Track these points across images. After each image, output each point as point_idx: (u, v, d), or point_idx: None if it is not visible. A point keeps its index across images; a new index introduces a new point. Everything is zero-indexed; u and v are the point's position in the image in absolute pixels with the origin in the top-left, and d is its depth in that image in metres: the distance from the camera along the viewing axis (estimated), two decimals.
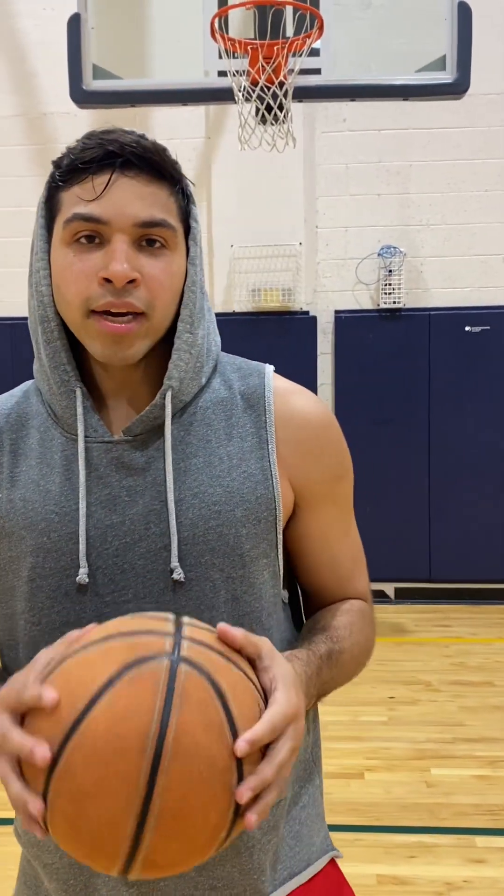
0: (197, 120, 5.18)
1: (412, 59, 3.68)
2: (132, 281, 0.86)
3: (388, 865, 2.49)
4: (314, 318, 5.29)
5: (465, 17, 3.46)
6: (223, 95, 3.49)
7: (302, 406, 0.98)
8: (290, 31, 3.38)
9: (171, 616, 0.77)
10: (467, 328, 5.19)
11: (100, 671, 0.70)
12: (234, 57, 3.38)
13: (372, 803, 2.86)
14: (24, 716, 0.73)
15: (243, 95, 3.37)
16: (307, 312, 5.31)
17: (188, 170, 4.71)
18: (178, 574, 0.90)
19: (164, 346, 0.94)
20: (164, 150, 0.90)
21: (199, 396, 0.96)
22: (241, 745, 0.68)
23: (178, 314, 0.93)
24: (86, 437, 0.93)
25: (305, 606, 1.07)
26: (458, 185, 5.24)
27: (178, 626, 0.75)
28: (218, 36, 3.36)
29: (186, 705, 0.68)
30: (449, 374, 5.20)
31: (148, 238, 0.88)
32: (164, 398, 0.92)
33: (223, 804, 0.68)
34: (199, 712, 0.68)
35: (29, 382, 1.03)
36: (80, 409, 0.92)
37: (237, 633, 0.76)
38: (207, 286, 5.28)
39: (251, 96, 3.36)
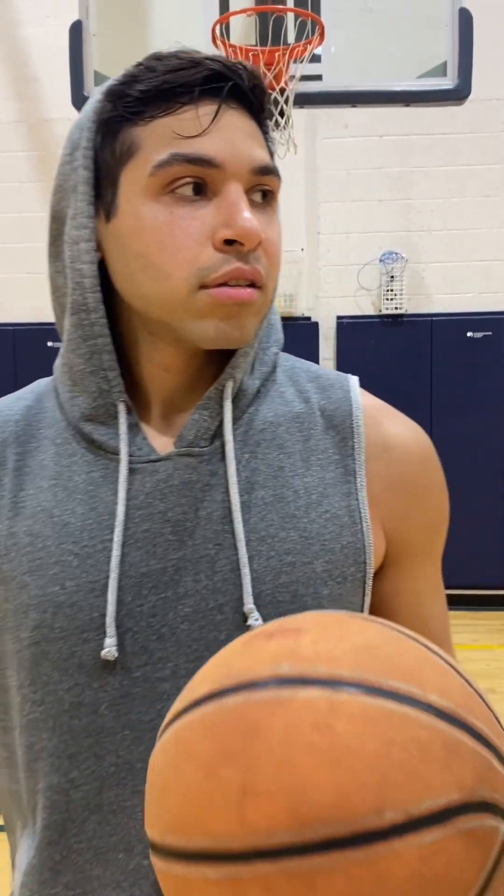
0: None
1: (413, 64, 3.68)
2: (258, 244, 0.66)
3: None
4: (316, 324, 5.29)
5: (466, 22, 3.46)
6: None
7: (400, 433, 0.78)
8: (291, 38, 3.39)
9: None
10: (469, 334, 5.18)
11: (433, 781, 0.43)
12: None
13: None
14: None
15: None
16: (309, 318, 5.31)
17: None
18: (255, 618, 0.67)
19: None
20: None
21: (269, 407, 0.75)
22: None
23: None
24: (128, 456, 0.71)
25: None
26: (460, 191, 5.24)
27: None
28: (219, 42, 3.37)
29: None
30: (451, 380, 5.19)
31: (262, 189, 0.68)
32: (224, 389, 0.71)
33: None
34: None
35: (42, 382, 0.81)
36: (123, 429, 0.71)
37: None
38: None
39: None
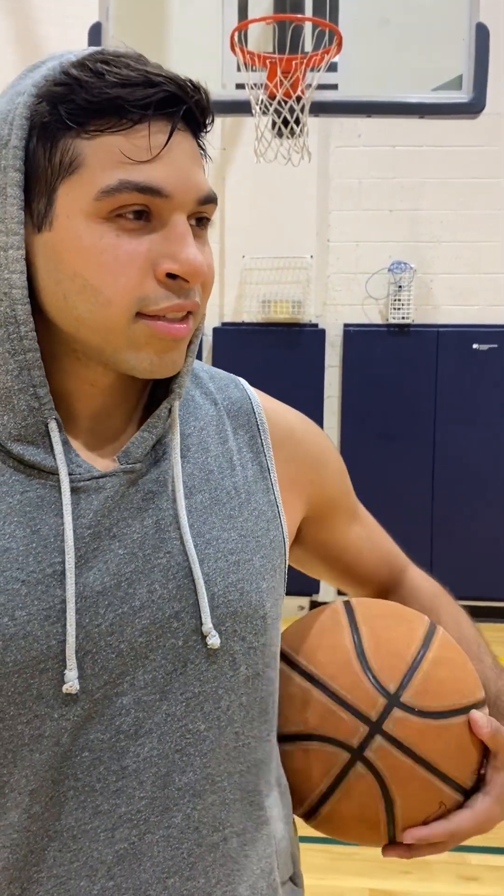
0: (212, 131, 5.20)
1: (429, 77, 3.70)
2: None
3: (381, 880, 2.49)
4: (323, 331, 5.30)
5: (482, 37, 3.48)
6: (240, 108, 3.52)
7: (291, 417, 0.85)
8: (308, 47, 3.41)
9: (391, 683, 0.78)
10: (475, 346, 5.20)
11: (294, 718, 0.80)
12: (252, 70, 3.41)
13: None
14: None
15: (260, 109, 3.40)
16: (316, 325, 5.33)
17: None
18: (213, 639, 0.69)
19: None
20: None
21: (188, 411, 0.76)
22: (406, 836, 0.78)
23: None
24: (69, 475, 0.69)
25: None
26: (470, 204, 5.26)
27: (388, 706, 0.77)
28: (237, 49, 3.39)
29: (345, 800, 0.78)
30: (456, 391, 5.20)
31: (199, 216, 0.67)
32: (172, 407, 0.72)
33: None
34: (356, 809, 0.78)
35: None
36: (59, 448, 0.68)
37: (487, 734, 0.78)
38: (217, 296, 5.32)
39: (268, 110, 3.39)
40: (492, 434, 5.19)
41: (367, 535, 0.95)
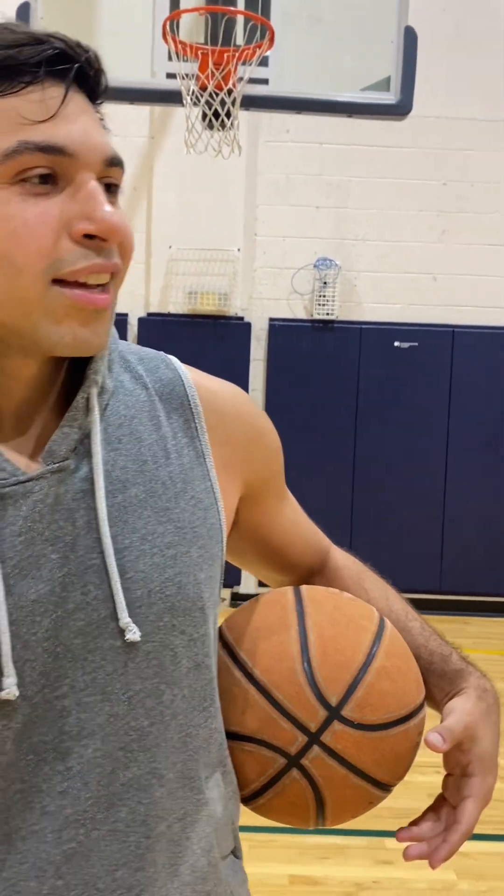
0: (141, 119, 5.17)
1: (358, 76, 3.76)
2: None
3: (301, 865, 2.53)
4: (248, 325, 5.33)
5: (410, 40, 3.55)
6: (170, 97, 3.50)
7: (224, 394, 0.81)
8: (240, 40, 3.42)
9: (334, 696, 0.77)
10: (396, 343, 5.31)
11: (233, 718, 0.80)
12: (184, 60, 3.39)
13: None
14: None
15: (191, 99, 3.39)
16: (242, 318, 5.35)
17: (130, 167, 4.68)
18: (132, 632, 0.66)
19: None
20: None
21: (118, 399, 0.72)
22: (435, 861, 0.81)
23: None
24: None
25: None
26: (395, 204, 5.36)
27: (328, 718, 0.77)
28: (169, 38, 3.37)
29: (278, 798, 0.80)
30: (377, 387, 5.31)
31: (108, 181, 0.64)
32: (89, 394, 0.68)
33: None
34: (288, 807, 0.81)
35: None
36: None
37: (444, 748, 0.78)
38: (143, 286, 5.29)
39: (199, 101, 3.38)
40: (411, 430, 5.31)
41: (295, 518, 0.93)
